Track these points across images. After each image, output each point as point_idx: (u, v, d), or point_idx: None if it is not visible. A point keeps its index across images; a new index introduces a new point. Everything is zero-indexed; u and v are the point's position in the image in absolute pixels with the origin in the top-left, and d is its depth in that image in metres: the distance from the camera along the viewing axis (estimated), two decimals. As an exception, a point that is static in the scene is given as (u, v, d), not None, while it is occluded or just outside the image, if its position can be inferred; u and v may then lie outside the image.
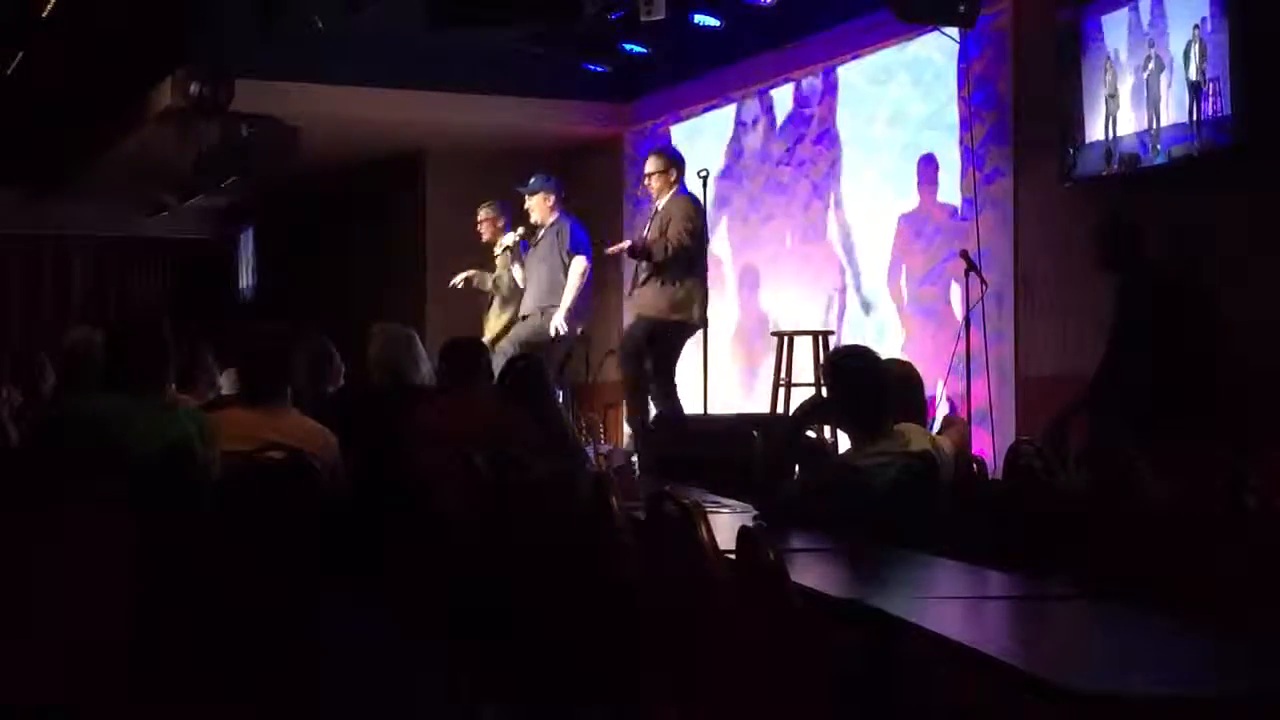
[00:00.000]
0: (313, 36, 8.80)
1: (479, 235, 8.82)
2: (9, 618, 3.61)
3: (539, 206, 8.29)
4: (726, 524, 3.49)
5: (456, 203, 11.60)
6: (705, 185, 7.82)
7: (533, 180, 8.36)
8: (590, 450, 6.61)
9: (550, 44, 9.39)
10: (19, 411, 6.00)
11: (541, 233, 8.26)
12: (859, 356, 4.30)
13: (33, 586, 3.64)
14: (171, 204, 12.45)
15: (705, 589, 2.80)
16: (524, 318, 8.25)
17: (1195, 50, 6.10)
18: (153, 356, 4.31)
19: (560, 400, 7.83)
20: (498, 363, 6.43)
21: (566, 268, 8.09)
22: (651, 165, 7.54)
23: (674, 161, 7.54)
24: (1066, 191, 6.92)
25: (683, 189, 7.47)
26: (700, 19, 8.59)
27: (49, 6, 8.70)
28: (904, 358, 6.22)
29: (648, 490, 4.40)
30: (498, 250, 8.67)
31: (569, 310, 8.02)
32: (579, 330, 8.27)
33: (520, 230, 8.54)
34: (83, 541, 3.69)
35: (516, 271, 8.51)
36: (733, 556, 2.79)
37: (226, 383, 6.37)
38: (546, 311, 8.09)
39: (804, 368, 8.16)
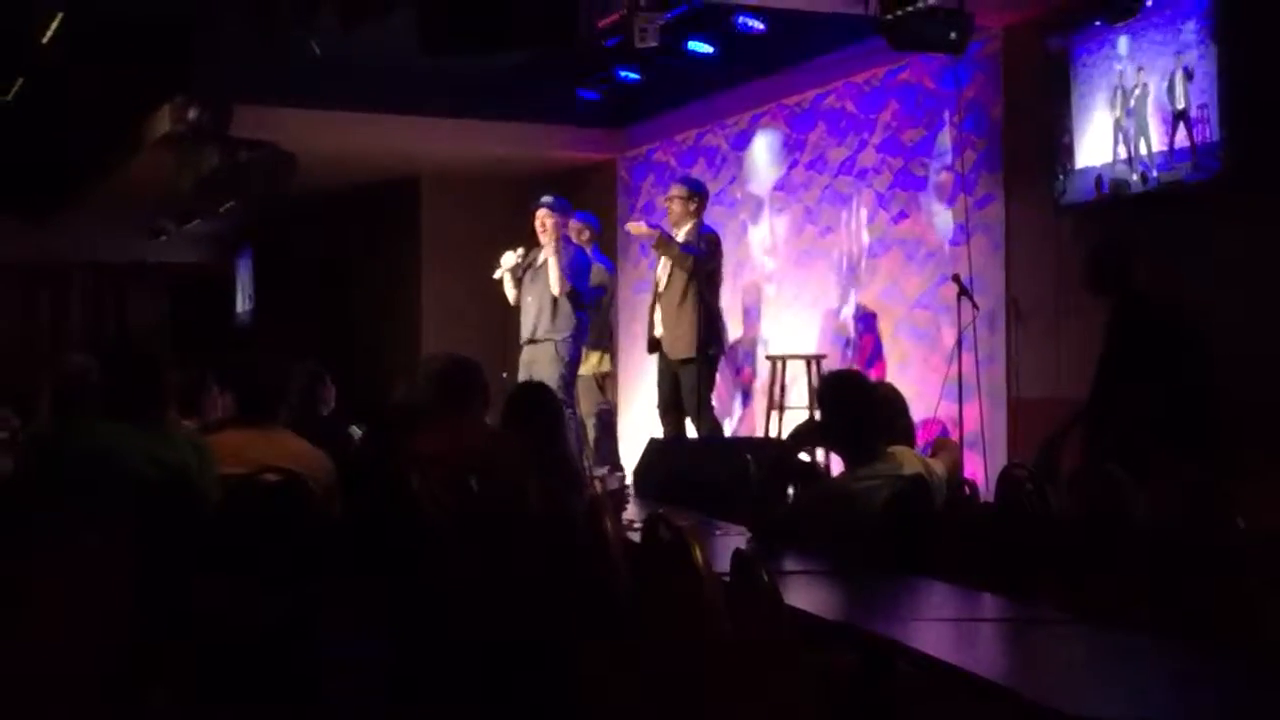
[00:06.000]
0: (310, 62, 8.84)
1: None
2: (8, 645, 3.62)
3: (549, 226, 7.99)
4: (721, 547, 3.52)
5: (452, 227, 11.67)
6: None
7: (552, 198, 8.13)
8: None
9: (544, 70, 9.43)
10: (15, 438, 5.99)
11: (542, 256, 8.01)
12: (851, 381, 4.35)
13: (32, 614, 3.65)
14: (169, 229, 12.48)
15: (700, 612, 2.82)
16: (530, 342, 8.01)
17: (1183, 78, 6.15)
18: (150, 384, 4.33)
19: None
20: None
21: (558, 297, 7.97)
22: (675, 190, 7.93)
23: (694, 192, 7.91)
24: (1057, 217, 6.97)
25: (705, 226, 7.85)
26: (694, 45, 8.65)
27: (49, 33, 8.74)
28: (889, 381, 6.27)
29: (642, 513, 4.43)
30: (497, 274, 8.41)
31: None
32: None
33: (520, 251, 8.31)
34: (81, 568, 3.71)
35: (509, 290, 8.18)
36: (727, 579, 2.82)
37: (224, 407, 6.37)
38: (547, 342, 7.92)
39: (797, 392, 8.20)
